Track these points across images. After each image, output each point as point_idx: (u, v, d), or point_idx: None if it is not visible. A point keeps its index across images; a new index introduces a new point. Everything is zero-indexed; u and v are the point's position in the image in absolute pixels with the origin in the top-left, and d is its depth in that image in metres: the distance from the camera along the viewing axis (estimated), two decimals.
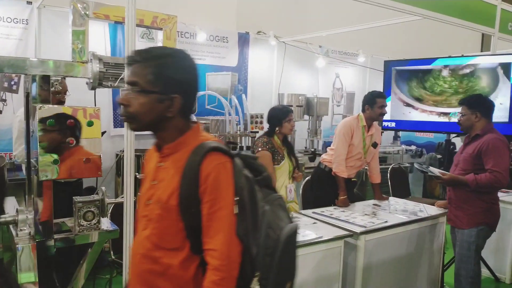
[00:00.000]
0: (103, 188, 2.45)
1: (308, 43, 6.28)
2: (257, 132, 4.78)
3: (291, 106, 5.60)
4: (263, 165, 1.53)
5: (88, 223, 2.38)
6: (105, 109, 4.66)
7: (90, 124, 2.06)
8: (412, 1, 3.17)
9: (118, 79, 2.23)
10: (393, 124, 5.41)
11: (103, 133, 3.70)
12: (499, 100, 4.10)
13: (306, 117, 5.92)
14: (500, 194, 3.82)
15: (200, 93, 4.97)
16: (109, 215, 3.08)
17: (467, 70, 4.56)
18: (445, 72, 4.72)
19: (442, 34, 7.15)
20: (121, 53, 4.51)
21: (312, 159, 5.32)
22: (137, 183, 3.40)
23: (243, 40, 5.77)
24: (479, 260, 3.02)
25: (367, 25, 5.13)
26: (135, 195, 2.95)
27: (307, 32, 5.95)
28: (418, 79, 4.98)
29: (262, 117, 4.85)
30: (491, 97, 4.24)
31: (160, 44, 3.25)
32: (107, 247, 3.29)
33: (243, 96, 4.92)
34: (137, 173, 3.18)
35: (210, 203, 1.27)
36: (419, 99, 5.01)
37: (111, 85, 2.45)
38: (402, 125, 5.41)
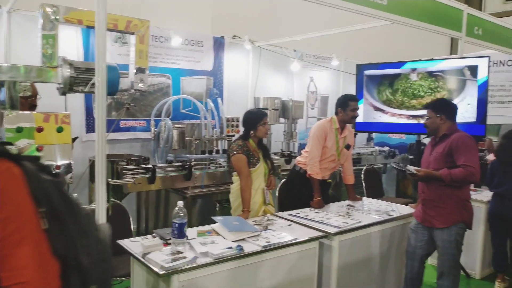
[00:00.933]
0: (75, 195, 2.42)
1: (283, 47, 6.34)
2: (233, 135, 4.79)
3: (267, 109, 5.64)
4: (49, 166, 1.29)
5: None
6: (77, 114, 4.59)
7: (60, 130, 2.04)
8: (382, 6, 3.25)
9: (89, 84, 2.21)
10: (365, 127, 5.52)
11: (75, 138, 3.67)
12: (467, 101, 4.24)
13: (281, 120, 5.97)
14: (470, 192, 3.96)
15: (175, 97, 4.96)
16: None
17: (435, 73, 4.69)
18: (413, 76, 4.86)
19: (413, 38, 7.34)
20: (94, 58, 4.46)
21: (288, 162, 5.36)
22: (110, 189, 3.38)
23: (218, 44, 5.78)
24: (460, 258, 3.11)
25: (340, 30, 5.22)
26: (108, 201, 2.92)
27: (282, 37, 6.01)
28: (387, 83, 5.10)
29: (238, 121, 4.87)
30: (459, 98, 4.40)
31: (133, 49, 3.24)
32: None
33: (219, 99, 4.92)
34: (109, 179, 3.16)
35: (1, 224, 0.94)
36: (388, 103, 5.13)
37: (82, 90, 2.43)
38: (373, 127, 5.52)
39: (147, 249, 2.36)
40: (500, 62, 6.67)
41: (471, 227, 3.12)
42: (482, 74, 4.18)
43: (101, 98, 2.02)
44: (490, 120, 5.35)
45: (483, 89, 4.18)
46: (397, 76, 5.02)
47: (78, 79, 2.51)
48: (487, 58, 4.24)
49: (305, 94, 6.34)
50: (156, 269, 2.16)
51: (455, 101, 4.47)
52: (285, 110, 5.90)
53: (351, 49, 7.43)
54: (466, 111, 4.39)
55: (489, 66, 4.26)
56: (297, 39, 5.82)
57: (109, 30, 2.38)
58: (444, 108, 3.09)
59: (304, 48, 6.64)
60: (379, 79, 5.19)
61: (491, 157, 4.57)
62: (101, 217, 2.07)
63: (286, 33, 6.15)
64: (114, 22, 3.76)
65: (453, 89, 4.50)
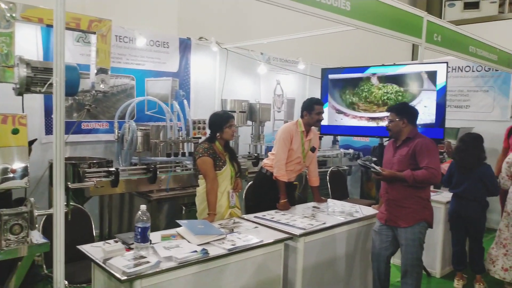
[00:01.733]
0: (32, 199, 2.33)
1: (250, 50, 6.35)
2: (200, 138, 4.75)
3: (234, 112, 5.63)
4: None
5: (16, 236, 2.24)
6: (37, 115, 4.42)
7: (15, 132, 1.95)
8: (346, 12, 3.30)
9: (47, 84, 2.13)
10: (330, 130, 5.61)
11: (33, 141, 3.53)
12: (424, 103, 4.37)
13: (249, 122, 5.98)
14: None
15: (139, 98, 4.86)
16: (41, 227, 2.93)
17: (394, 77, 4.83)
18: (374, 80, 4.99)
19: (376, 44, 7.52)
20: None
21: (255, 164, 5.37)
22: (70, 193, 3.27)
23: (185, 45, 5.72)
24: (422, 255, 3.20)
25: (306, 34, 5.29)
26: (68, 205, 2.83)
27: (249, 39, 6.02)
28: (349, 87, 5.22)
29: (204, 123, 4.83)
30: (416, 101, 4.54)
31: (94, 49, 3.16)
32: (39, 260, 3.11)
33: (185, 101, 4.87)
34: (69, 183, 3.05)
35: None
36: (350, 106, 5.25)
37: (39, 90, 2.33)
38: (337, 130, 5.63)
39: (108, 254, 2.30)
40: (459, 68, 6.96)
41: (432, 225, 3.23)
42: (441, 80, 4.34)
43: (59, 99, 1.95)
44: (449, 123, 5.56)
45: (442, 93, 4.34)
46: (358, 80, 5.14)
47: (36, 79, 2.42)
48: (445, 64, 4.41)
49: (272, 97, 6.38)
50: (117, 275, 2.11)
51: (412, 104, 4.62)
52: (253, 113, 5.92)
53: (317, 53, 7.54)
54: (422, 114, 4.55)
55: (447, 71, 4.42)
56: (264, 42, 5.85)
57: (68, 29, 2.31)
58: (406, 112, 3.19)
59: (271, 51, 6.68)
60: (341, 82, 5.30)
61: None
62: (59, 222, 1.99)
63: (253, 36, 6.17)
64: (76, 21, 3.65)
65: (410, 93, 4.65)
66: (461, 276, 4.15)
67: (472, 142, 3.90)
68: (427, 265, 4.33)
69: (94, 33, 3.07)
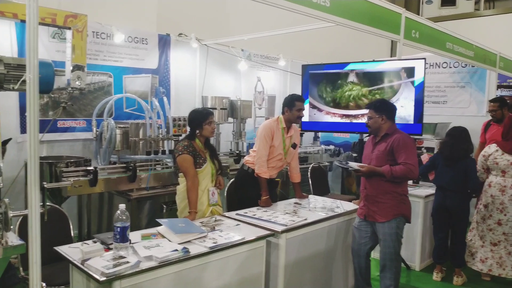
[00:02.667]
0: (7, 200, 2.26)
1: (231, 46, 6.32)
2: (180, 135, 4.70)
3: (215, 108, 5.59)
4: None
5: None
6: (12, 114, 4.31)
7: None
8: (325, 8, 3.31)
9: (20, 81, 2.06)
10: (311, 126, 5.62)
11: (8, 140, 3.43)
12: (400, 103, 4.43)
13: (230, 119, 5.95)
14: (408, 188, 4.16)
15: (118, 95, 4.78)
16: (16, 228, 2.86)
17: (372, 74, 4.87)
18: (351, 77, 5.02)
19: (356, 41, 7.60)
20: None
21: (237, 161, 5.35)
22: (46, 192, 3.19)
23: (164, 42, 5.65)
24: (400, 250, 3.24)
25: (286, 30, 5.29)
26: (44, 206, 2.76)
27: (229, 36, 5.99)
28: (327, 83, 5.24)
29: (185, 120, 4.78)
30: (393, 99, 4.60)
31: (69, 45, 3.08)
32: (16, 262, 3.03)
33: (165, 98, 4.81)
34: (45, 182, 2.98)
35: None
36: (325, 102, 5.27)
37: (13, 87, 2.26)
38: (318, 127, 5.65)
39: (86, 255, 2.25)
40: (436, 64, 7.09)
41: (410, 220, 3.28)
42: (418, 76, 4.39)
43: (33, 96, 1.89)
44: (426, 119, 5.65)
45: (420, 89, 4.39)
46: (336, 75, 5.17)
47: (9, 76, 2.34)
48: (423, 60, 4.46)
49: (253, 94, 6.36)
50: (96, 276, 2.06)
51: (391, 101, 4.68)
52: (234, 110, 5.89)
53: (298, 50, 7.56)
54: (398, 113, 4.62)
55: (425, 68, 4.48)
56: (244, 38, 5.83)
57: (42, 24, 2.24)
58: (384, 108, 3.23)
59: (251, 48, 6.66)
60: (319, 78, 5.32)
61: (425, 156, 4.84)
62: (34, 223, 1.94)
63: (233, 32, 6.14)
64: (51, 16, 3.56)
65: (388, 90, 4.70)
66: (440, 269, 4.23)
67: (460, 135, 4.02)
68: (407, 259, 4.40)
69: (69, 28, 3.00)
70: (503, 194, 3.90)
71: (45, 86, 2.70)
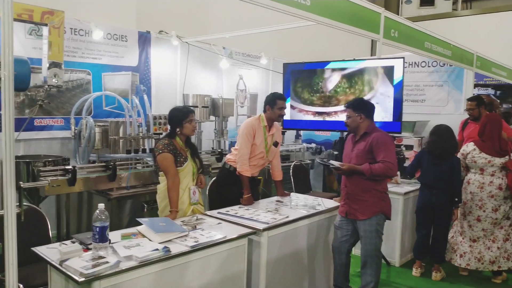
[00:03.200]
0: None
1: (212, 44, 6.29)
2: (161, 133, 4.65)
3: (196, 107, 5.56)
4: None
5: None
6: None
7: None
8: (306, 7, 3.33)
9: None
10: (292, 124, 5.66)
11: None
12: (375, 100, 4.50)
13: (212, 118, 5.93)
14: (388, 186, 4.21)
15: (97, 93, 4.71)
16: None
17: (350, 74, 4.94)
18: (327, 74, 5.08)
19: (338, 40, 7.66)
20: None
21: (219, 160, 5.34)
22: (22, 192, 3.12)
23: (144, 39, 5.58)
24: (381, 246, 3.29)
25: (268, 28, 5.30)
26: (20, 206, 2.70)
27: (211, 33, 5.96)
28: (302, 81, 5.29)
29: (165, 118, 4.74)
30: (370, 95, 4.67)
31: (45, 41, 3.01)
32: None
33: (145, 96, 4.75)
34: (21, 182, 2.91)
35: None
36: (299, 99, 5.33)
37: None
38: (299, 125, 5.69)
39: (65, 255, 2.21)
40: (415, 63, 7.21)
41: (390, 217, 3.33)
42: (398, 75, 4.46)
43: (8, 94, 1.85)
44: (406, 117, 5.75)
45: (399, 88, 4.47)
46: (313, 73, 5.21)
47: None
48: (402, 59, 4.54)
49: (235, 92, 6.35)
50: (74, 277, 2.03)
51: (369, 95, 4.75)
52: (215, 108, 5.87)
53: (279, 48, 7.58)
54: (377, 112, 4.70)
55: (404, 67, 4.56)
56: (226, 36, 5.81)
57: (17, 20, 2.19)
58: (362, 107, 3.26)
59: (233, 45, 6.64)
60: (297, 75, 5.35)
61: (411, 154, 4.91)
62: (10, 224, 1.89)
63: (214, 30, 6.12)
64: (28, 12, 3.48)
65: (365, 89, 4.78)
66: (420, 264, 4.30)
67: (446, 132, 4.10)
68: (387, 255, 4.47)
69: (46, 25, 2.93)
70: (481, 191, 3.98)
71: (21, 83, 2.64)
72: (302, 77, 5.27)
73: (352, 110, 3.24)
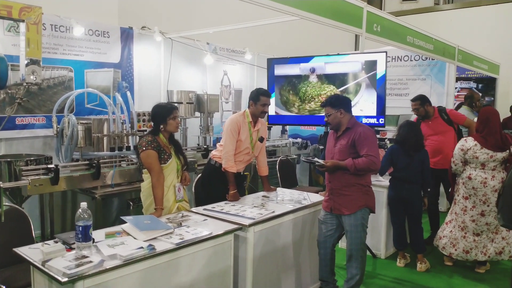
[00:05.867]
0: None
1: (196, 39, 6.24)
2: (145, 130, 4.61)
3: (181, 103, 5.52)
4: None
5: None
6: None
7: None
8: (289, 1, 3.32)
9: None
10: (277, 119, 5.67)
11: None
12: (364, 98, 4.53)
13: (197, 114, 5.89)
14: (372, 180, 4.24)
15: (79, 90, 4.64)
16: None
17: (333, 75, 4.98)
18: (312, 78, 5.11)
19: (322, 35, 7.69)
20: None
21: (205, 156, 5.31)
22: (2, 192, 3.07)
23: (126, 35, 5.51)
24: (365, 240, 3.32)
25: (252, 23, 5.27)
26: (0, 206, 2.65)
27: (194, 29, 5.91)
28: (288, 85, 5.33)
29: (149, 115, 4.70)
30: (358, 97, 4.71)
31: (23, 38, 2.95)
32: None
33: (128, 93, 4.70)
34: (0, 182, 2.85)
35: None
36: (284, 104, 5.38)
37: None
38: (284, 120, 5.71)
39: (47, 255, 2.18)
40: (398, 57, 7.28)
41: (374, 210, 3.35)
42: (380, 69, 4.49)
43: None
44: (390, 111, 5.80)
45: (382, 82, 4.50)
46: (298, 78, 5.24)
47: None
48: (384, 54, 4.57)
49: (219, 87, 6.33)
50: (57, 277, 2.00)
51: (355, 99, 4.80)
52: (200, 104, 5.84)
53: (264, 43, 7.57)
54: (365, 107, 4.75)
55: (386, 61, 4.59)
56: (209, 31, 5.77)
57: None
58: (340, 102, 3.27)
59: (217, 41, 6.61)
60: (283, 80, 5.37)
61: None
62: None
63: (198, 25, 6.06)
64: (7, 9, 3.41)
65: (351, 90, 4.80)
66: (403, 255, 4.36)
67: (417, 125, 4.25)
68: (372, 247, 4.52)
69: (23, 21, 2.86)
70: (485, 186, 3.95)
71: None
72: (288, 81, 5.29)
73: (331, 107, 3.25)
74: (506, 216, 2.96)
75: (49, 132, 4.57)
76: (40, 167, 3.80)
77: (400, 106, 6.90)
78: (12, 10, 3.38)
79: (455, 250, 4.17)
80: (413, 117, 5.07)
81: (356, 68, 4.80)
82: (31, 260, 2.21)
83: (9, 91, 4.32)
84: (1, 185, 2.82)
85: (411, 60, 7.15)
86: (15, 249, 2.35)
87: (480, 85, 9.64)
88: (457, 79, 7.83)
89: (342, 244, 3.67)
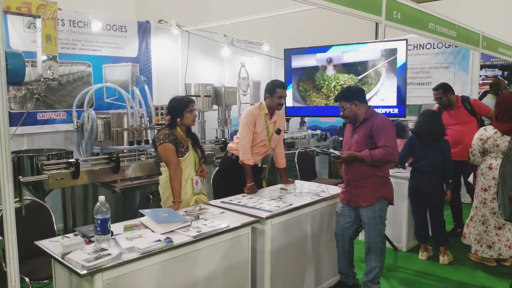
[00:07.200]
0: None
1: (213, 32, 6.22)
2: (163, 124, 4.63)
3: (199, 96, 5.53)
4: None
5: None
6: None
7: None
8: None
9: None
10: (295, 111, 5.61)
11: None
12: (385, 86, 4.41)
13: (215, 106, 5.89)
14: (393, 171, 4.14)
15: (98, 85, 4.69)
16: None
17: (351, 65, 4.87)
18: (329, 70, 5.01)
19: (341, 24, 7.54)
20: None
21: (223, 149, 5.31)
22: (22, 187, 3.13)
23: (144, 29, 5.53)
24: (384, 232, 3.26)
25: (269, 14, 5.22)
26: (21, 200, 2.70)
27: (211, 21, 5.89)
28: (305, 77, 5.25)
29: (167, 109, 4.72)
30: (378, 86, 4.60)
31: (39, 34, 2.98)
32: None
33: (146, 87, 4.72)
34: (20, 176, 2.91)
35: None
36: (302, 97, 5.30)
37: None
38: (302, 112, 5.64)
39: (67, 248, 2.21)
40: (420, 45, 7.08)
41: (393, 202, 3.28)
42: (401, 57, 4.38)
43: (1, 88, 1.83)
44: (411, 100, 5.66)
45: (402, 71, 4.39)
46: (314, 69, 5.16)
47: None
48: (404, 41, 4.45)
49: (237, 80, 6.30)
50: (77, 269, 2.02)
51: (375, 88, 4.70)
52: (218, 97, 5.83)
53: (281, 34, 7.49)
54: (386, 96, 4.63)
55: (407, 49, 4.46)
56: (226, 23, 5.75)
57: (6, 12, 2.15)
58: (353, 94, 3.19)
59: (234, 33, 6.57)
60: (300, 72, 5.30)
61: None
62: (9, 219, 1.89)
63: (215, 17, 6.04)
64: (26, 5, 3.46)
65: (371, 77, 4.68)
66: (425, 247, 4.27)
67: (433, 114, 4.08)
68: (394, 240, 4.44)
69: (39, 16, 2.89)
70: None
71: (15, 77, 2.62)
72: (305, 73, 5.22)
73: (345, 101, 3.18)
74: (506, 211, 3.18)
75: (70, 127, 4.65)
76: (61, 161, 3.86)
77: (422, 96, 6.73)
78: (32, 7, 3.44)
79: (480, 246, 4.04)
80: (435, 106, 4.93)
81: (376, 55, 4.69)
82: (52, 253, 2.24)
83: (30, 87, 4.40)
84: (21, 179, 2.88)
85: (433, 48, 6.95)
86: (36, 242, 2.39)
87: (505, 73, 9.31)
88: (482, 67, 7.57)
89: (362, 236, 3.61)
